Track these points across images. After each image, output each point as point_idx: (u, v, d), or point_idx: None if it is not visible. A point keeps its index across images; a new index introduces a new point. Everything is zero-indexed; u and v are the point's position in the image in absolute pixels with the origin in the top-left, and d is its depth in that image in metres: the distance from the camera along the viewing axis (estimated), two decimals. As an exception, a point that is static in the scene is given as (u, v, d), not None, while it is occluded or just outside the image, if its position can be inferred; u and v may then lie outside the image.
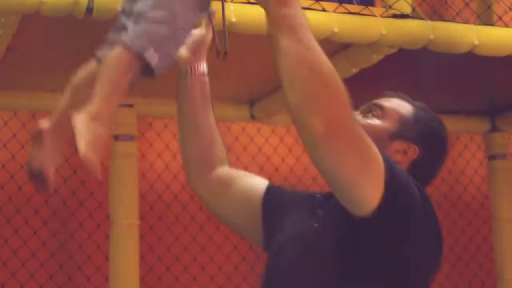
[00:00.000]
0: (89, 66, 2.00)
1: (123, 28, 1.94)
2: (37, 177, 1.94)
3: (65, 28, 3.60)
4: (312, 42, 1.75)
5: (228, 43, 2.12)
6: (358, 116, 2.03)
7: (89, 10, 3.34)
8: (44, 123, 1.96)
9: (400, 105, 2.05)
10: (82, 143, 1.79)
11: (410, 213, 1.83)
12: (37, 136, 1.95)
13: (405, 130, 2.01)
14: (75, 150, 1.78)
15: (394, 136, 2.00)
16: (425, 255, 1.89)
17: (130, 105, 4.56)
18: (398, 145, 2.00)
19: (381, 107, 2.04)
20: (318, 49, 1.75)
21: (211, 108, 2.21)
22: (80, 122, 1.81)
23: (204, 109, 2.19)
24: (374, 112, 2.03)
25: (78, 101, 1.91)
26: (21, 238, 4.64)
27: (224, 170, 2.21)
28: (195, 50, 2.16)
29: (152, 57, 1.90)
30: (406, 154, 2.00)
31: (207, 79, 2.19)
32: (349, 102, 1.75)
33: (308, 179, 5.04)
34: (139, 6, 1.94)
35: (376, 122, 2.02)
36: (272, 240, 2.04)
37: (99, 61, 1.95)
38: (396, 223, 1.81)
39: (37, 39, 3.75)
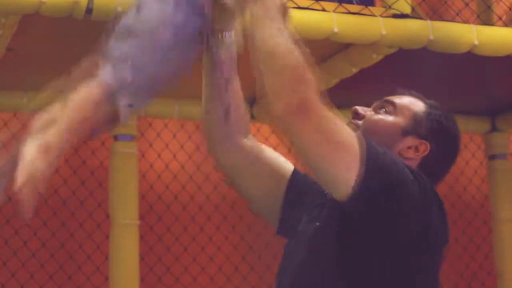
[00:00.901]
0: (53, 108, 1.90)
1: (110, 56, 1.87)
2: None
3: (65, 28, 3.60)
4: (276, 28, 1.84)
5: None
6: (370, 112, 2.06)
7: (89, 10, 3.35)
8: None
9: (412, 102, 2.07)
10: (21, 176, 1.71)
11: (399, 192, 1.83)
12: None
13: (417, 126, 2.02)
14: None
15: (406, 132, 2.01)
16: (426, 234, 1.89)
17: (130, 105, 4.56)
18: (410, 141, 2.01)
19: (393, 104, 2.05)
20: (284, 35, 1.84)
21: (237, 73, 2.24)
22: (28, 152, 1.75)
23: (233, 71, 2.22)
24: (386, 108, 2.05)
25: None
26: (21, 238, 4.64)
27: (250, 142, 2.23)
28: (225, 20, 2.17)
29: (124, 109, 1.88)
30: (417, 150, 2.00)
31: (235, 46, 2.20)
32: (317, 86, 1.81)
33: (308, 179, 5.04)
34: (126, 48, 1.88)
35: (388, 118, 2.03)
36: (286, 230, 2.07)
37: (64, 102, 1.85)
38: (385, 205, 1.81)
39: (37, 39, 3.75)
